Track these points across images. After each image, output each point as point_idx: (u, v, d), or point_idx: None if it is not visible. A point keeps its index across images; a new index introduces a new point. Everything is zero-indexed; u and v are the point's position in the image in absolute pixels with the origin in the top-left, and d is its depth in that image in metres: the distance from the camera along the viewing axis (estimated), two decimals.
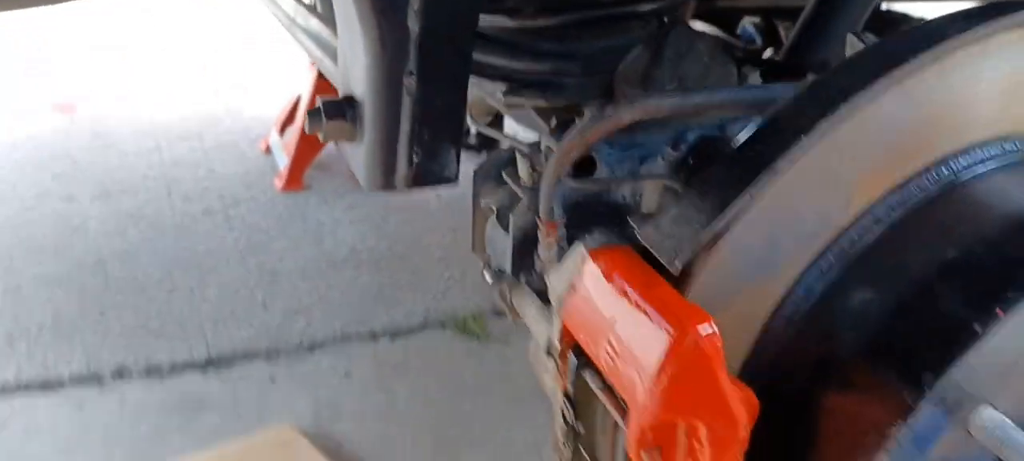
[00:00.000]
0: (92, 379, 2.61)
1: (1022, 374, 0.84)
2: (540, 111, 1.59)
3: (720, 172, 0.90)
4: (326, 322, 2.94)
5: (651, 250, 0.90)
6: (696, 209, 0.89)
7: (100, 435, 2.43)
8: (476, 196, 1.51)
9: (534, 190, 1.39)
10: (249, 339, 2.83)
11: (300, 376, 2.73)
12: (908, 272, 0.88)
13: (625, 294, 0.88)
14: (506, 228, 1.43)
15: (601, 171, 1.38)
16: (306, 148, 3.56)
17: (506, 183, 1.44)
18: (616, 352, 0.89)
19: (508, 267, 1.43)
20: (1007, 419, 0.83)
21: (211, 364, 2.72)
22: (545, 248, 1.09)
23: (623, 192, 1.44)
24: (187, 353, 2.74)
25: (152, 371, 2.67)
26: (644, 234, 0.92)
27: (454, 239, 3.37)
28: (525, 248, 1.40)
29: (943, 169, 0.93)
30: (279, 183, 3.59)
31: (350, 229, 3.43)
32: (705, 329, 0.81)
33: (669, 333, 0.82)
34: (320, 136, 1.27)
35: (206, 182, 3.62)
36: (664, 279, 0.89)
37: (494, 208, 1.46)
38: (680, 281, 0.89)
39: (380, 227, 3.46)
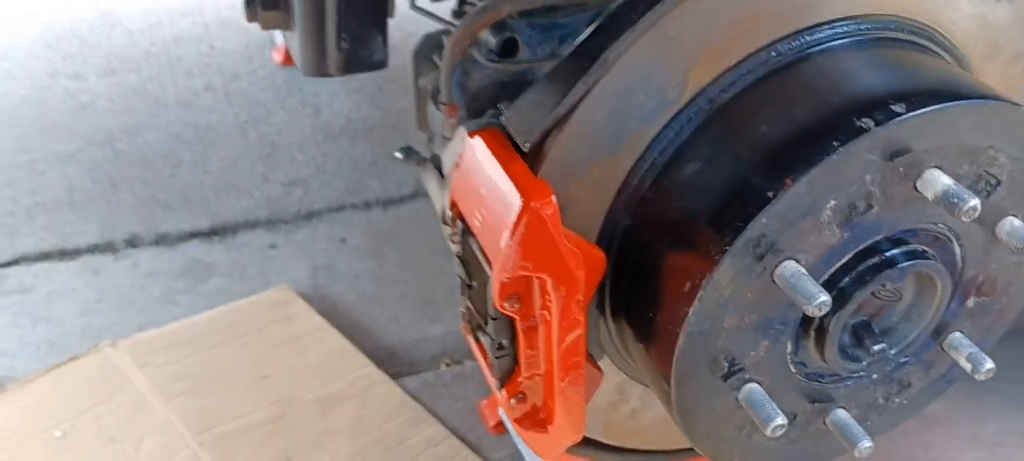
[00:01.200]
0: (106, 247, 2.84)
1: (815, 231, 0.99)
2: None
3: (569, 61, 1.04)
4: (323, 192, 3.12)
5: (509, 130, 1.05)
6: (546, 94, 1.04)
7: (115, 297, 2.67)
8: (416, 76, 1.65)
9: (461, 70, 1.53)
10: (250, 209, 3.03)
11: (298, 243, 2.94)
12: (727, 146, 1.03)
13: (487, 171, 1.04)
14: (438, 108, 1.58)
15: (523, 52, 1.51)
16: None
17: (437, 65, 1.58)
18: (483, 219, 1.05)
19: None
20: (801, 269, 0.99)
21: (215, 233, 2.94)
22: (447, 129, 1.24)
23: (545, 70, 1.57)
24: (192, 222, 2.95)
25: (161, 239, 2.89)
26: (507, 117, 1.07)
27: None
28: None
29: (772, 53, 1.05)
30: (277, 57, 3.72)
31: (346, 101, 3.57)
32: (544, 200, 0.97)
33: (516, 204, 0.98)
34: (258, 25, 1.41)
35: (207, 58, 3.76)
36: (520, 157, 1.04)
37: (429, 88, 1.61)
38: (535, 158, 1.04)
39: (375, 98, 3.60)
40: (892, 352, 1.15)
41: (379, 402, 2.32)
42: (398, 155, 1.29)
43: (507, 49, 1.46)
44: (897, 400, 1.24)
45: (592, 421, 1.36)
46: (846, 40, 1.08)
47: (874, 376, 1.19)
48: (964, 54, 1.18)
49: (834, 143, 0.94)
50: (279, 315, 2.58)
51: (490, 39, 1.37)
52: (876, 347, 1.13)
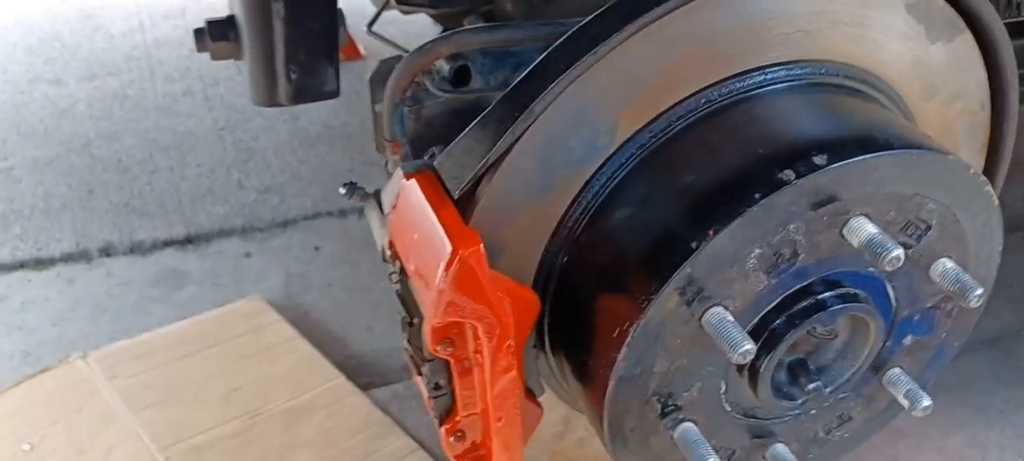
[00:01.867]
0: (81, 256, 2.85)
1: (741, 279, 1.00)
2: (432, 16, 1.71)
3: (499, 107, 1.05)
4: (298, 199, 3.13)
5: (443, 177, 1.06)
6: (477, 141, 1.05)
7: (89, 307, 2.68)
8: (373, 100, 1.65)
9: (414, 98, 1.53)
10: (225, 216, 3.04)
11: (273, 251, 2.95)
12: (655, 194, 1.04)
13: (419, 216, 1.05)
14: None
15: (476, 81, 1.51)
16: None
17: None
18: (416, 265, 1.06)
19: None
20: (728, 314, 1.00)
21: (190, 241, 2.94)
22: (392, 165, 1.24)
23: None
24: (168, 230, 2.96)
25: (136, 248, 2.90)
26: (439, 163, 1.08)
27: None
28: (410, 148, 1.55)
29: (701, 100, 1.06)
30: None
31: (324, 107, 3.56)
32: (471, 249, 0.98)
33: (445, 251, 0.99)
34: (210, 55, 1.42)
35: (187, 61, 3.76)
36: (451, 202, 1.05)
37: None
38: (466, 203, 1.05)
39: (353, 103, 3.60)
40: (827, 390, 1.16)
41: (347, 414, 2.33)
42: (342, 191, 1.30)
43: (460, 78, 1.47)
44: (838, 433, 1.26)
45: (539, 451, 1.37)
46: (778, 86, 1.09)
47: (812, 411, 1.20)
48: (901, 95, 1.19)
49: (756, 195, 0.95)
50: (251, 326, 2.59)
51: (443, 67, 1.38)
52: (811, 386, 1.14)
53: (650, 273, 0.98)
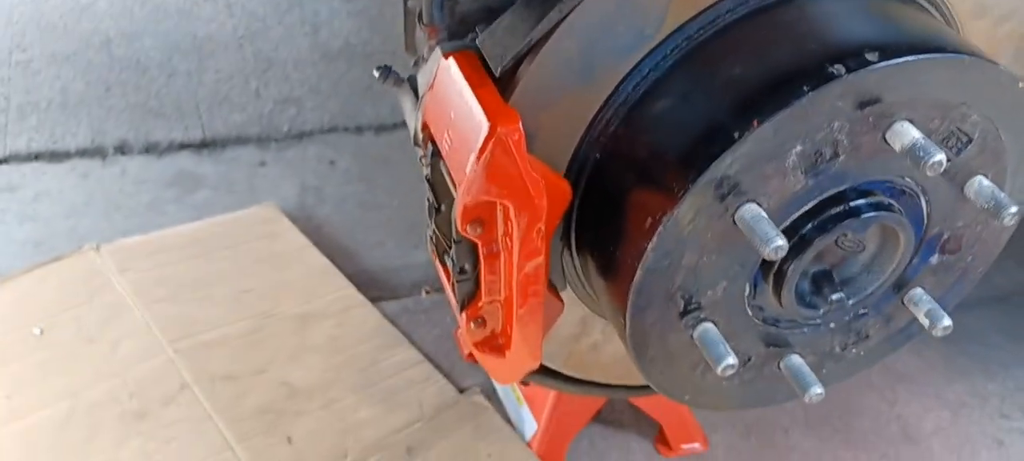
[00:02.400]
0: (96, 152, 2.84)
1: (779, 176, 0.99)
2: None
3: None
4: (315, 113, 3.12)
5: (484, 54, 1.05)
6: (522, 19, 1.03)
7: (102, 202, 2.68)
8: None
9: None
10: (242, 124, 3.03)
11: (288, 162, 2.94)
12: (700, 85, 1.02)
13: (459, 94, 1.03)
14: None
15: None
16: None
17: None
18: (451, 142, 1.05)
19: None
20: (762, 212, 0.99)
21: (205, 145, 2.94)
22: (428, 51, 1.23)
23: None
24: (184, 133, 2.95)
25: (151, 148, 2.89)
26: (481, 41, 1.06)
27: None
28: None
29: None
30: None
31: (346, 21, 3.54)
32: (510, 127, 0.97)
33: (483, 128, 0.98)
34: None
35: None
36: (492, 82, 1.04)
37: (417, 9, 1.59)
38: (507, 84, 1.04)
39: (376, 21, 3.57)
40: (850, 302, 1.16)
41: (356, 323, 2.34)
42: (375, 73, 1.28)
43: None
44: (854, 350, 1.26)
45: (554, 351, 1.37)
46: None
47: (831, 325, 1.20)
48: (950, 10, 1.17)
49: (804, 88, 0.94)
50: (264, 232, 2.60)
51: None
52: (834, 296, 1.14)
53: (688, 163, 0.97)
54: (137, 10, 3.43)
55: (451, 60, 1.07)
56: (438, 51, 1.11)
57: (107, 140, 2.87)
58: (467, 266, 1.12)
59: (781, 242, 0.96)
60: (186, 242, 2.50)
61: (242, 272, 2.44)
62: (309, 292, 2.41)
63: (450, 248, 1.16)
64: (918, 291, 1.20)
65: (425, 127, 1.13)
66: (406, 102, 1.23)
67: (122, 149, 2.86)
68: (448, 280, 1.23)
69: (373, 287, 2.53)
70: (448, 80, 1.07)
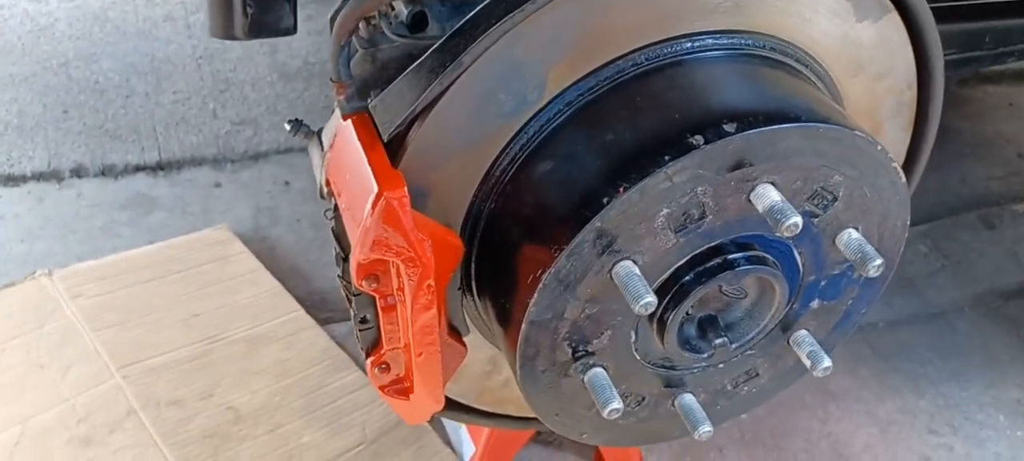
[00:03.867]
0: (52, 175, 2.89)
1: (650, 236, 1.06)
2: None
3: (432, 56, 1.09)
4: (271, 133, 3.17)
5: (374, 119, 1.11)
6: (410, 87, 1.09)
7: (58, 225, 2.73)
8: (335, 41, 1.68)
9: (369, 41, 1.57)
10: (198, 145, 3.08)
11: (243, 182, 3.00)
12: (576, 150, 1.09)
13: (351, 157, 1.10)
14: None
15: (432, 27, 1.55)
16: None
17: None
18: (347, 203, 1.11)
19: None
20: (635, 268, 1.06)
21: (161, 167, 2.99)
22: (337, 106, 1.28)
23: None
24: (140, 155, 3.00)
25: (107, 170, 2.94)
26: (372, 106, 1.12)
27: None
28: (364, 92, 1.60)
29: (628, 62, 1.11)
30: None
31: (305, 41, 3.59)
32: (396, 191, 1.03)
33: (372, 191, 1.04)
34: None
35: None
36: (382, 145, 1.10)
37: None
38: (396, 147, 1.10)
39: None
40: (733, 346, 1.23)
41: (304, 346, 2.40)
42: (287, 127, 1.34)
43: (417, 23, 1.50)
44: (745, 388, 1.33)
45: (467, 389, 1.44)
46: (705, 53, 1.14)
47: (720, 365, 1.27)
48: (827, 70, 1.24)
49: (665, 157, 1.00)
50: (216, 254, 2.65)
51: (401, 11, 1.41)
52: (717, 341, 1.20)
53: (564, 224, 1.04)
54: (96, 31, 3.47)
55: (349, 123, 1.13)
56: (337, 112, 1.17)
57: (63, 163, 2.92)
58: (368, 316, 1.18)
59: (649, 298, 1.03)
60: (138, 266, 2.55)
61: (192, 296, 2.49)
62: (258, 315, 2.47)
63: (351, 298, 1.22)
64: (802, 332, 1.27)
65: (329, 182, 1.19)
66: (315, 155, 1.29)
67: (78, 172, 2.90)
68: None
69: (323, 308, 2.59)
70: (343, 141, 1.13)
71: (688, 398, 1.26)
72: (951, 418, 2.44)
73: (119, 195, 2.86)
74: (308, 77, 3.43)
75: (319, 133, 1.32)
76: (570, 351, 1.14)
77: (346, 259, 1.24)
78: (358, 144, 1.10)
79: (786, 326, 1.27)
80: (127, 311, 2.40)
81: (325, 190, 1.22)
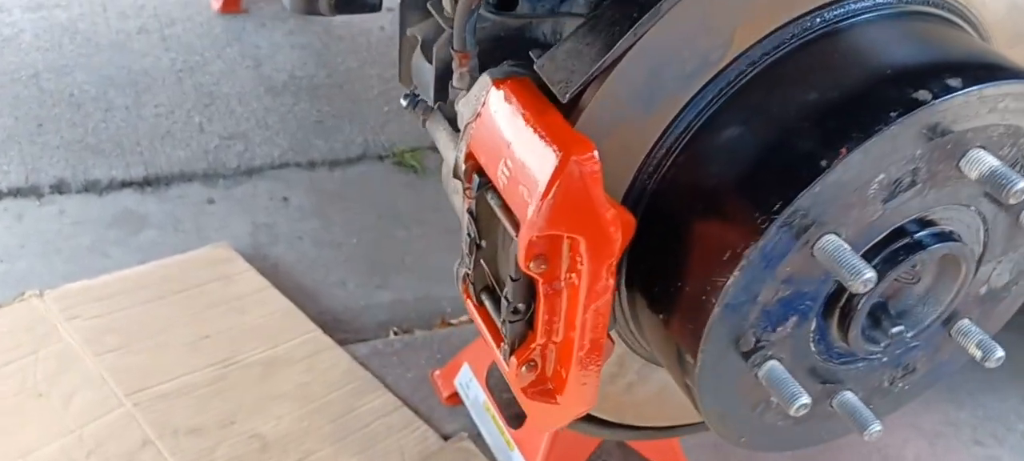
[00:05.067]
0: (30, 191, 2.65)
1: (859, 205, 0.95)
2: None
3: (609, 11, 0.98)
4: (264, 148, 2.99)
5: (545, 80, 0.99)
6: (587, 44, 0.97)
7: (40, 244, 2.50)
8: (403, 25, 1.55)
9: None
10: (186, 160, 2.88)
11: (237, 199, 2.80)
12: (772, 111, 0.98)
13: (520, 120, 0.97)
14: (430, 59, 1.49)
15: (523, 6, 1.43)
16: None
17: (431, 14, 1.49)
18: (511, 173, 0.98)
19: (431, 97, 1.50)
20: (844, 243, 0.95)
21: (149, 183, 2.78)
22: (458, 78, 1.16)
23: (543, 29, 1.50)
24: (125, 170, 2.78)
25: (91, 186, 2.71)
26: (540, 65, 1.00)
27: (395, 73, 3.38)
28: (447, 78, 1.47)
29: (817, 18, 1.01)
30: (216, 4, 3.54)
31: (290, 55, 3.42)
32: (585, 155, 0.91)
33: (554, 157, 0.91)
34: None
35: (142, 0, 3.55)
36: (556, 108, 0.97)
37: (419, 38, 1.52)
38: (569, 110, 0.98)
39: (321, 55, 3.46)
40: (909, 335, 1.13)
41: (326, 368, 2.22)
42: (403, 102, 1.20)
43: (507, 3, 1.39)
44: (900, 384, 1.23)
45: None
46: (886, 12, 1.05)
47: (884, 359, 1.17)
48: (990, 36, 1.17)
49: (891, 114, 0.90)
50: (218, 273, 2.45)
51: None
52: (894, 329, 1.11)
53: (770, 193, 0.93)
54: (66, 43, 3.24)
55: (506, 86, 1.01)
56: (486, 78, 1.04)
57: (42, 178, 2.68)
58: (521, 306, 1.04)
59: (870, 274, 0.92)
60: (136, 286, 2.34)
61: (199, 317, 2.29)
62: (272, 336, 2.28)
63: (496, 287, 1.08)
64: (966, 322, 1.18)
65: (470, 157, 1.06)
66: (439, 132, 1.15)
67: (59, 188, 2.67)
68: (485, 321, 1.16)
69: (338, 329, 2.41)
70: (504, 107, 1.00)
71: (849, 396, 1.16)
72: (994, 430, 2.40)
73: (105, 212, 2.64)
74: (296, 91, 3.26)
75: (441, 107, 1.19)
76: (754, 341, 1.03)
77: (480, 246, 1.10)
78: (524, 108, 0.97)
79: (950, 316, 1.18)
80: (129, 334, 2.18)
81: (462, 167, 1.08)
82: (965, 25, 1.12)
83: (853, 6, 1.03)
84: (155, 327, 2.22)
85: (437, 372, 2.24)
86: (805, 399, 1.01)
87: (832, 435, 1.21)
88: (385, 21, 3.65)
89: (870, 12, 1.04)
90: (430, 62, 1.48)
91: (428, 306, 2.55)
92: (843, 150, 0.90)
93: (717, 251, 0.96)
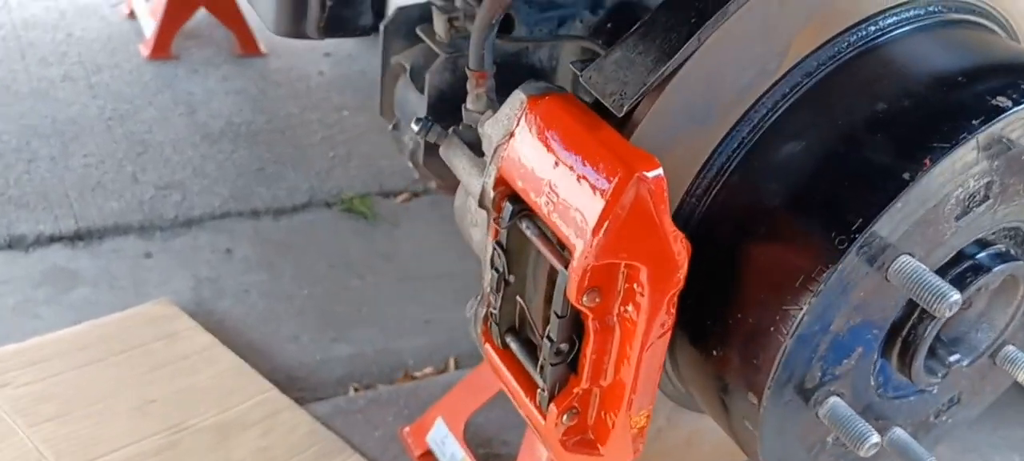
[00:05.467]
0: None
1: (935, 223, 0.88)
2: None
3: (663, 17, 0.89)
4: (203, 198, 2.82)
5: (594, 93, 0.89)
6: (639, 53, 0.89)
7: None
8: (386, 53, 1.45)
9: (452, 46, 1.35)
10: (120, 212, 2.69)
11: (177, 252, 2.62)
12: (836, 124, 0.91)
13: (568, 138, 0.87)
14: (420, 88, 1.39)
15: (520, 30, 1.35)
16: (175, 12, 3.34)
17: (420, 40, 1.39)
18: (558, 196, 0.88)
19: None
20: (922, 265, 0.88)
21: (80, 237, 2.58)
22: (474, 99, 1.06)
23: (540, 54, 1.42)
24: (53, 225, 2.58)
25: (16, 242, 2.50)
26: (587, 77, 0.91)
27: (339, 118, 3.27)
28: (441, 107, 1.37)
29: (871, 27, 0.95)
30: (145, 50, 3.36)
31: (225, 101, 3.26)
32: (651, 172, 0.82)
33: (614, 176, 0.82)
34: None
35: (64, 46, 3.35)
36: (605, 123, 0.88)
37: (406, 66, 1.42)
38: (621, 126, 0.89)
39: (258, 101, 3.31)
40: (964, 363, 1.06)
41: (286, 430, 2.06)
42: (414, 127, 1.09)
43: (504, 26, 1.31)
44: (945, 417, 1.16)
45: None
46: (934, 19, 1.00)
47: (935, 391, 1.10)
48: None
49: (973, 121, 0.84)
50: (162, 331, 2.27)
51: None
52: (951, 358, 1.04)
53: (848, 210, 0.85)
54: None
55: (547, 101, 0.91)
56: (520, 95, 0.94)
57: None
58: (565, 346, 0.94)
59: (956, 296, 0.85)
60: (71, 348, 2.14)
61: (143, 379, 2.10)
62: (224, 397, 2.11)
63: (528, 327, 0.98)
64: (1011, 349, 1.12)
65: (501, 183, 0.95)
66: (459, 158, 1.05)
67: None
68: (509, 367, 1.04)
69: (293, 387, 2.25)
70: (547, 125, 0.90)
71: (899, 433, 1.07)
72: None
73: (33, 270, 2.43)
74: (234, 138, 3.10)
75: (457, 131, 1.08)
76: (819, 376, 0.94)
77: (507, 282, 1.00)
78: (576, 124, 0.88)
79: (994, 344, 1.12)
80: (67, 401, 1.98)
81: (490, 194, 0.97)
82: (1001, 31, 1.07)
83: (903, 15, 0.97)
84: (96, 392, 2.03)
85: (407, 429, 2.09)
86: (876, 438, 0.93)
87: None
88: (324, 66, 3.53)
89: (919, 21, 0.98)
90: (421, 91, 1.38)
91: (389, 359, 2.41)
92: (926, 161, 0.83)
93: (787, 277, 0.87)
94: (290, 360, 2.36)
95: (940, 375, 1.04)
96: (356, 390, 2.29)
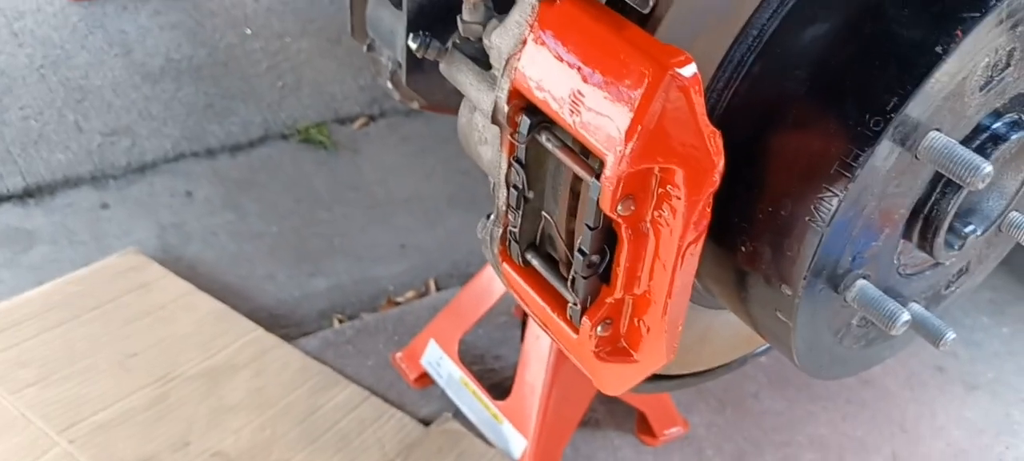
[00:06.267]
0: None
1: (961, 96, 0.88)
2: None
3: None
4: (154, 141, 2.71)
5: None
6: None
7: None
8: None
9: None
10: (69, 163, 2.57)
11: (135, 200, 2.53)
12: (859, 5, 0.88)
13: (590, 40, 0.83)
14: (397, 4, 1.32)
15: None
16: None
17: None
18: (583, 104, 0.85)
19: (400, 46, 1.33)
20: (953, 140, 0.87)
21: (30, 194, 2.47)
22: (470, 9, 1.01)
23: None
24: (0, 184, 2.46)
25: None
26: None
27: (282, 44, 3.15)
28: (421, 23, 1.31)
29: None
30: None
31: (161, 37, 3.12)
32: (685, 68, 0.79)
33: (646, 76, 0.79)
34: None
35: None
36: (627, 20, 0.84)
37: None
38: (645, 24, 0.85)
39: (195, 34, 3.17)
40: (978, 233, 1.07)
41: (278, 368, 2.03)
42: (412, 44, 1.04)
43: None
44: (955, 288, 1.18)
45: None
46: None
47: (948, 263, 1.11)
48: None
49: None
50: (133, 282, 2.20)
51: None
52: (967, 229, 1.04)
53: (882, 89, 0.83)
54: None
55: (561, 4, 0.87)
56: (520, 5, 0.90)
57: None
58: (596, 257, 0.92)
59: (988, 168, 0.84)
60: (41, 309, 2.06)
61: (120, 334, 2.04)
62: (208, 343, 2.06)
63: (555, 240, 0.95)
64: (1016, 215, 1.13)
65: (515, 95, 0.91)
66: (465, 73, 1.00)
67: None
68: (533, 286, 1.02)
69: (276, 325, 2.21)
70: (565, 28, 0.86)
71: (917, 309, 1.09)
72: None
73: None
74: (176, 76, 2.97)
75: (457, 45, 1.04)
76: (850, 260, 0.94)
77: (526, 199, 0.97)
78: (597, 23, 0.84)
79: None
80: (45, 364, 1.92)
81: (504, 109, 0.93)
82: None
83: None
84: (74, 352, 1.96)
85: (399, 354, 2.08)
86: (907, 315, 0.94)
87: (891, 353, 1.15)
88: None
89: None
90: (398, 6, 1.32)
91: (369, 287, 2.38)
92: (958, 32, 0.81)
93: (820, 164, 0.86)
94: (269, 299, 2.31)
95: (957, 248, 1.05)
96: (340, 321, 2.26)
